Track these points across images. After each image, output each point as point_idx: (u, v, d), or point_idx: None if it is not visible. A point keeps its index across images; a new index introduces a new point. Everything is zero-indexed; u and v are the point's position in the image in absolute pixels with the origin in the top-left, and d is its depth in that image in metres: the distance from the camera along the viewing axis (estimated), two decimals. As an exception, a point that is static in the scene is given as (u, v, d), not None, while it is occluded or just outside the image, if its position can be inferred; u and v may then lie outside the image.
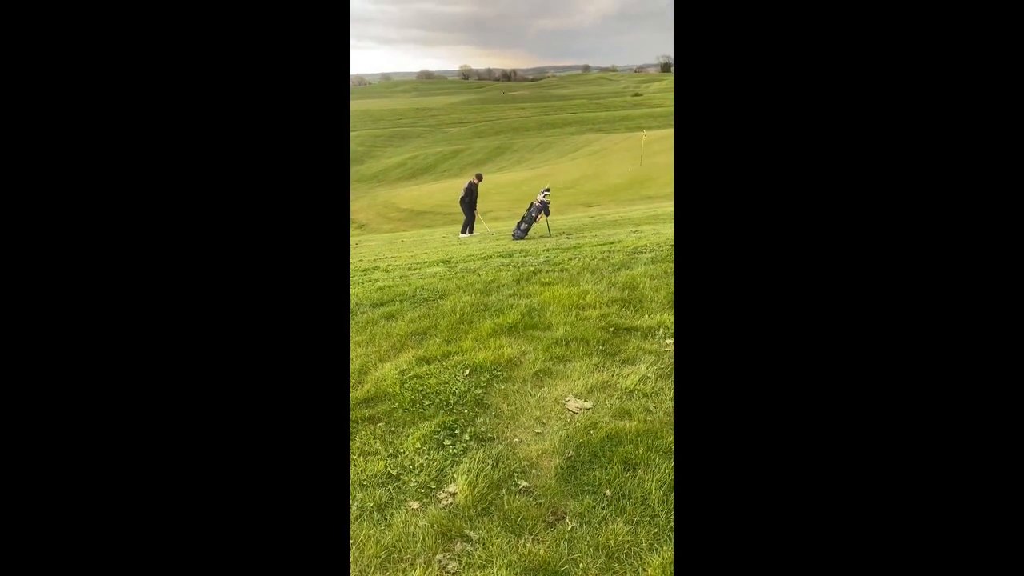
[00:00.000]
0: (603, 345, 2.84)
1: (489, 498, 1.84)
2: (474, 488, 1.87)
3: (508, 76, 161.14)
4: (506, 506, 1.79)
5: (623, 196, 21.55)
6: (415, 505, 1.85)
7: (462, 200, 11.34)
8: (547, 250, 6.01)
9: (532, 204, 9.77)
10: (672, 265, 4.07)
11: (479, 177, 11.44)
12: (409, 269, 5.53)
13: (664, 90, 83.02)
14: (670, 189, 20.72)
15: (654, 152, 29.07)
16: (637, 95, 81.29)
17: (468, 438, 2.18)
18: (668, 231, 7.04)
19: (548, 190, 10.04)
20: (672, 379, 2.46)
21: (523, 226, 9.63)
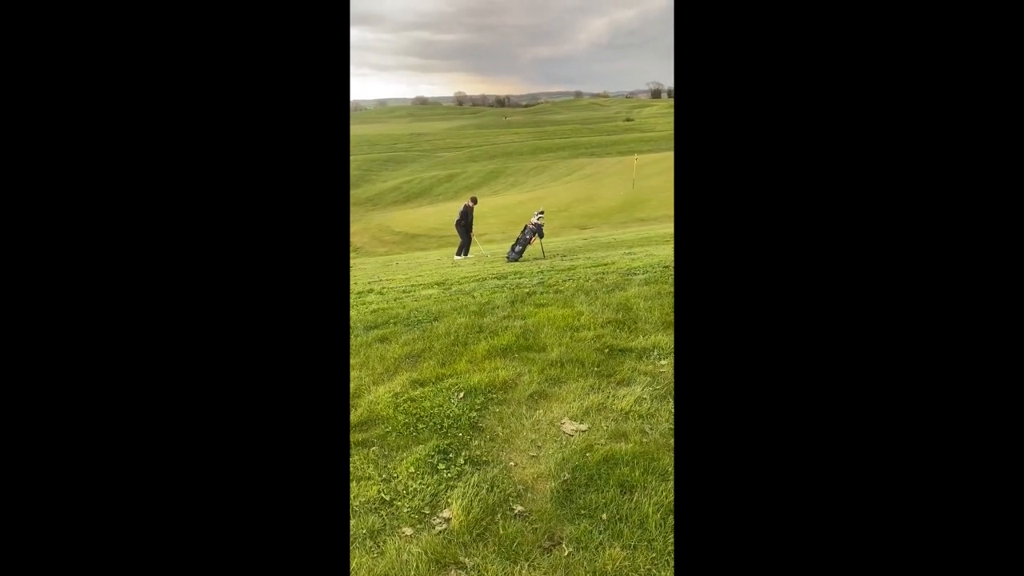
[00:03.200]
0: (598, 366, 2.83)
1: (484, 523, 1.81)
2: (468, 513, 1.83)
3: (502, 102, 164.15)
4: (501, 531, 1.76)
5: (616, 218, 21.75)
6: (408, 531, 1.81)
7: (458, 223, 11.40)
8: (541, 272, 6.03)
9: (526, 226, 9.84)
10: (666, 286, 4.09)
11: (474, 200, 11.52)
12: (403, 291, 5.53)
13: (655, 115, 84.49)
14: (662, 211, 20.96)
15: (646, 175, 29.45)
16: (629, 120, 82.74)
17: (463, 462, 2.15)
18: (661, 252, 7.09)
19: (542, 213, 10.12)
20: (668, 400, 2.45)
21: (517, 248, 9.68)
